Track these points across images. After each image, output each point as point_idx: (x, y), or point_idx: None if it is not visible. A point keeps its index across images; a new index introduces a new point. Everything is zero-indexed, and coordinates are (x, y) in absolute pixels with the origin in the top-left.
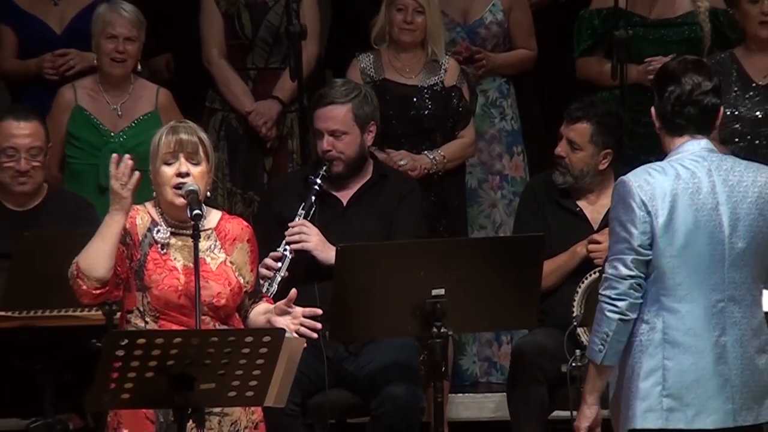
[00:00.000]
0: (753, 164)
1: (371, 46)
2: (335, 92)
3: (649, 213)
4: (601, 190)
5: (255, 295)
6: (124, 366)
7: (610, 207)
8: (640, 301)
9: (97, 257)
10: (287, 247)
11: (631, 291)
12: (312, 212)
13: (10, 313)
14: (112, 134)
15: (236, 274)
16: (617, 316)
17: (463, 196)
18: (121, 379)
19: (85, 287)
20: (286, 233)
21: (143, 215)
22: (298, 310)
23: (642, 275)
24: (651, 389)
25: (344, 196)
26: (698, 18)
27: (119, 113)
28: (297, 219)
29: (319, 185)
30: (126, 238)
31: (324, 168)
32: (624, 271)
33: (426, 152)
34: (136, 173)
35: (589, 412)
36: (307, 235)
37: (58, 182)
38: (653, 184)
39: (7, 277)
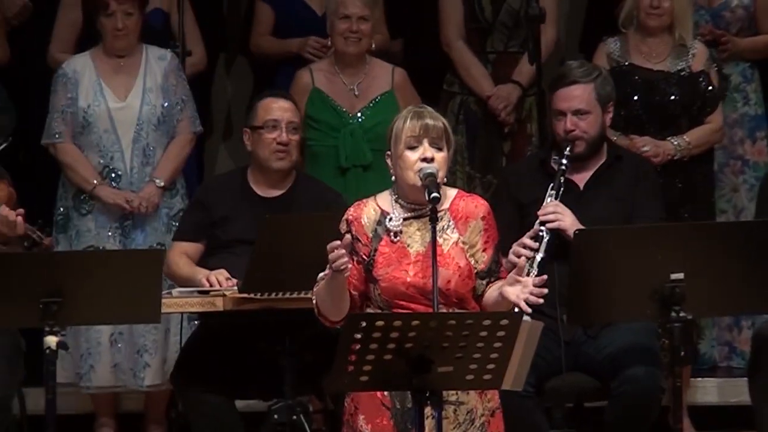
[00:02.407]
0: None
1: (617, 31)
2: (576, 72)
3: None
4: None
5: (490, 274)
6: (363, 348)
7: None
8: None
9: (330, 307)
10: (542, 228)
11: None
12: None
13: (252, 296)
14: (350, 115)
15: (467, 254)
16: None
17: (710, 182)
18: (359, 361)
19: (327, 323)
20: (538, 213)
21: (369, 210)
22: (528, 280)
23: None
24: None
25: (580, 179)
26: None
27: (356, 93)
28: (548, 200)
29: (566, 165)
30: (354, 247)
31: (568, 148)
32: None
33: (670, 138)
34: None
35: None
36: (561, 215)
37: (299, 165)
38: None
39: (249, 260)
